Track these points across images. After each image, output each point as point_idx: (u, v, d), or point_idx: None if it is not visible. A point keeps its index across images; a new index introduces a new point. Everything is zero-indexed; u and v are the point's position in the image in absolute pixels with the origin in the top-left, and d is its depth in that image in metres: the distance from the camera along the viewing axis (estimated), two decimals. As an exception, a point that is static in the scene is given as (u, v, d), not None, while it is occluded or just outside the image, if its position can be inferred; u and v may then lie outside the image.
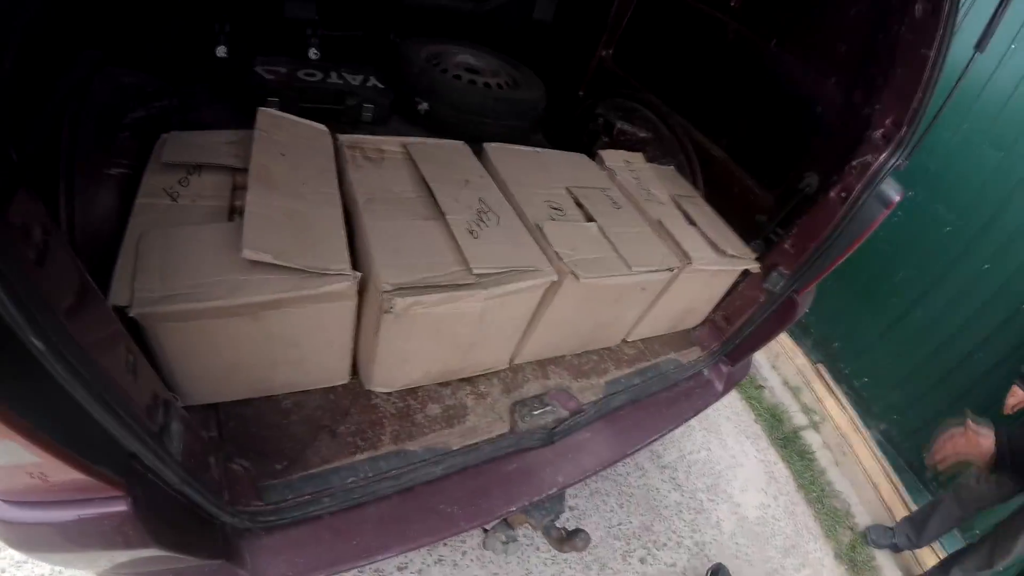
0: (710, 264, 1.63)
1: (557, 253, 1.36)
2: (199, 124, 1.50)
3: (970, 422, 1.67)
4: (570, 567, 2.01)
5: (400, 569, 1.86)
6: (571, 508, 2.15)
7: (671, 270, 1.53)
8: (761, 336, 1.88)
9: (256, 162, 1.27)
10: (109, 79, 1.54)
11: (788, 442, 2.88)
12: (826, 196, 1.54)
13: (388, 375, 1.33)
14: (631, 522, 2.20)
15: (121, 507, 0.77)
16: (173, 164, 1.31)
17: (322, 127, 1.50)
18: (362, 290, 1.16)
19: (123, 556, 0.89)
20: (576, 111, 2.29)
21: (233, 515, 1.08)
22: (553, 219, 1.48)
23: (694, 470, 2.47)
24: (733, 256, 1.70)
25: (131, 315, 0.97)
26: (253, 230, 1.10)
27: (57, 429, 0.64)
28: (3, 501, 0.78)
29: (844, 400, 3.12)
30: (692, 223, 1.75)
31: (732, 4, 1.98)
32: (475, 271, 1.20)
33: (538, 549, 2.02)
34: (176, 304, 1.01)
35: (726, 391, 1.97)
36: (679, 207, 1.79)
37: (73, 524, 0.78)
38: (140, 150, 1.41)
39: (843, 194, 1.55)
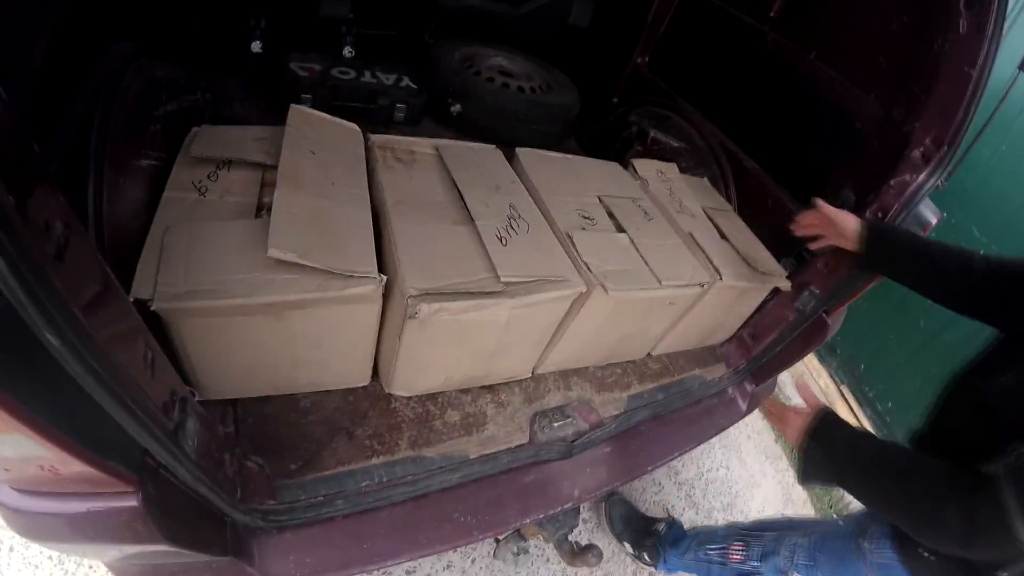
0: (740, 280, 1.59)
1: (586, 264, 1.33)
2: (231, 119, 1.51)
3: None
4: (581, 580, 1.98)
5: (408, 573, 1.84)
6: (584, 520, 2.11)
7: (701, 286, 1.49)
8: (789, 355, 1.84)
9: (285, 159, 1.26)
10: (142, 71, 1.55)
11: (809, 464, 2.81)
12: (862, 215, 1.49)
13: (409, 380, 1.32)
14: (644, 538, 2.16)
15: (132, 503, 0.76)
16: (203, 158, 1.31)
17: (353, 126, 1.49)
18: (387, 293, 1.15)
19: (132, 550, 0.89)
20: (610, 118, 2.26)
21: (245, 513, 1.07)
22: (584, 228, 1.46)
23: (711, 488, 2.42)
24: (764, 273, 1.66)
25: (152, 309, 0.96)
26: (279, 229, 1.09)
27: (69, 424, 0.64)
28: (13, 489, 0.78)
29: (867, 424, 3.04)
30: (724, 237, 1.71)
31: (772, 14, 1.94)
32: (503, 279, 1.18)
33: (548, 561, 1.99)
34: (198, 300, 1.00)
35: (750, 410, 1.93)
36: (711, 220, 1.76)
37: (82, 517, 0.78)
38: (171, 143, 1.41)
39: (879, 214, 1.51)
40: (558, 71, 2.31)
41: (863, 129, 1.73)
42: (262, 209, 1.26)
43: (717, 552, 1.64)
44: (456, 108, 2.04)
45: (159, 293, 0.98)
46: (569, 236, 1.40)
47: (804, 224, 1.55)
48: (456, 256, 1.21)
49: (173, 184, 1.25)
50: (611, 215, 1.57)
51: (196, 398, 1.03)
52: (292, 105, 1.43)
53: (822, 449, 1.13)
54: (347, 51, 2.21)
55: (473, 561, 1.91)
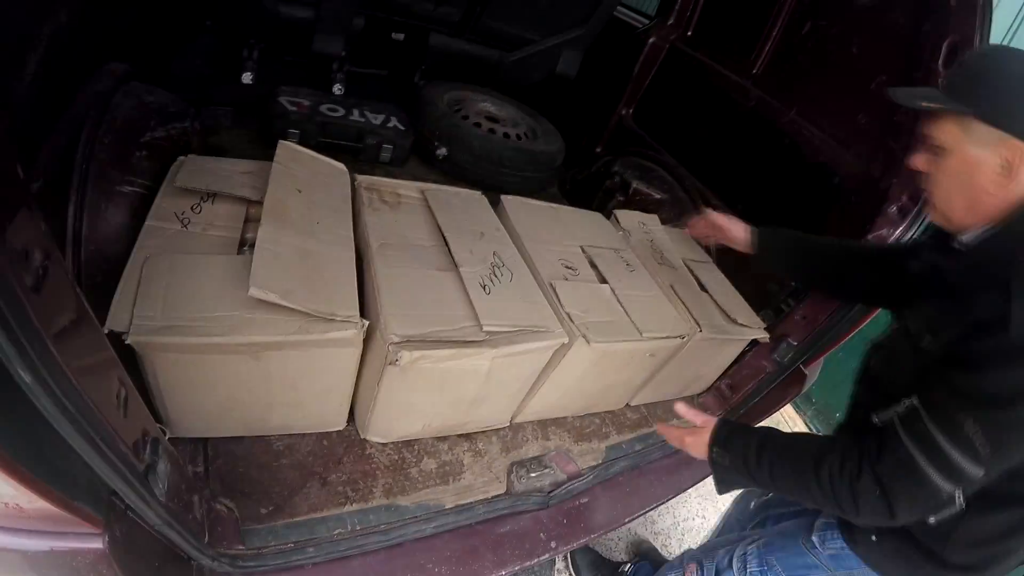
0: (720, 333, 1.60)
1: (568, 314, 1.33)
2: (218, 147, 1.50)
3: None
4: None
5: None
6: (558, 571, 2.07)
7: (681, 337, 1.50)
8: (766, 406, 1.85)
9: (272, 196, 1.25)
10: (132, 94, 1.54)
11: (784, 515, 2.79)
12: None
13: (386, 426, 1.29)
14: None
15: (96, 544, 0.73)
16: (187, 189, 1.29)
17: (341, 166, 1.49)
18: (368, 338, 1.13)
19: None
20: (593, 167, 2.29)
21: (213, 559, 1.03)
22: (566, 279, 1.46)
23: (688, 538, 2.39)
24: (743, 325, 1.67)
25: (127, 342, 0.94)
26: (262, 268, 1.07)
27: (37, 462, 0.61)
28: None
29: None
30: (704, 289, 1.73)
31: (755, 71, 2.00)
32: (485, 328, 1.17)
33: (521, 612, 1.94)
34: (175, 336, 0.98)
35: (728, 461, 1.92)
36: (691, 272, 1.77)
37: (43, 556, 0.74)
38: (156, 170, 1.39)
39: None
40: (544, 119, 2.35)
41: (842, 184, 1.77)
42: (245, 244, 1.24)
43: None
44: (442, 152, 2.06)
45: (135, 326, 0.96)
46: (552, 286, 1.40)
47: (695, 230, 1.66)
48: (439, 303, 1.20)
49: (156, 213, 1.22)
50: (593, 265, 1.58)
51: (166, 436, 1.00)
52: (280, 141, 1.43)
53: (729, 455, 1.13)
54: (337, 88, 2.23)
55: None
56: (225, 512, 1.13)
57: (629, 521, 1.64)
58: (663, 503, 1.74)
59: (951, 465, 0.87)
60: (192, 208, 1.27)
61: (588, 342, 1.29)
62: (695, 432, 1.21)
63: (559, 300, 1.36)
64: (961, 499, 0.97)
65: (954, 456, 0.86)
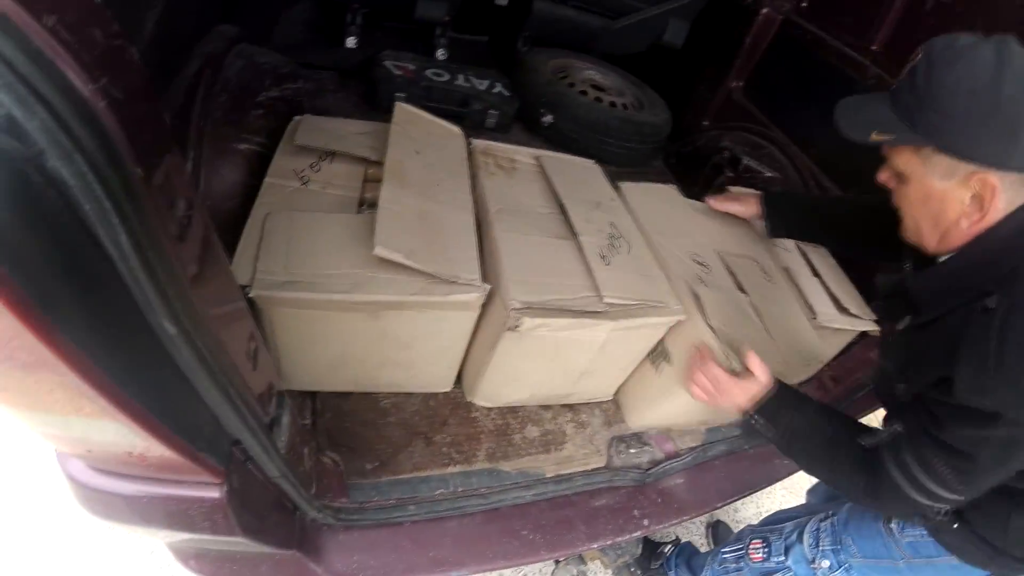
0: (832, 322, 1.52)
1: (712, 326, 1.23)
2: (323, 110, 1.51)
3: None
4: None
5: (457, 577, 1.82)
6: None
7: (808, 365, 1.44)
8: (867, 402, 1.76)
9: (391, 157, 1.26)
10: (243, 56, 1.57)
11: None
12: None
13: (493, 391, 1.29)
14: (696, 573, 2.09)
15: (215, 494, 0.75)
16: (306, 147, 1.31)
17: (456, 128, 1.48)
18: (486, 302, 1.13)
19: (203, 538, 0.87)
20: (700, 141, 2.20)
21: (318, 510, 1.06)
22: (704, 284, 1.35)
23: (767, 529, 2.34)
24: (855, 316, 1.59)
25: (250, 296, 0.96)
26: (386, 227, 1.07)
27: (165, 413, 0.61)
28: (89, 466, 0.77)
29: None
30: (816, 274, 1.65)
31: (874, 47, 1.86)
32: (605, 300, 1.15)
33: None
34: (298, 291, 1.00)
35: (824, 455, 1.85)
36: (804, 256, 1.69)
37: (160, 502, 0.77)
38: (271, 129, 1.42)
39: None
40: (649, 89, 2.27)
41: None
42: (363, 204, 1.26)
43: (733, 555, 1.55)
44: (548, 119, 2.02)
45: (258, 280, 0.98)
46: (694, 292, 1.30)
47: (715, 205, 1.61)
48: (558, 271, 1.18)
49: (275, 171, 1.25)
50: (731, 272, 1.46)
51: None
52: (398, 103, 1.43)
53: (773, 431, 1.11)
54: (440, 53, 2.22)
55: (524, 575, 1.88)
56: (331, 465, 1.16)
57: (721, 506, 1.60)
58: (755, 491, 1.69)
59: (930, 491, 0.90)
60: (311, 166, 1.29)
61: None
62: (739, 382, 1.14)
63: (704, 311, 1.27)
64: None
65: (930, 486, 0.89)
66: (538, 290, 1.11)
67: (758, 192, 1.56)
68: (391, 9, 2.24)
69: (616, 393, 1.49)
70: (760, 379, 1.13)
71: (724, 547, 1.54)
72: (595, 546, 1.35)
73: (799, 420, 1.08)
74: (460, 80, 2.01)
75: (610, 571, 1.66)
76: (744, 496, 1.66)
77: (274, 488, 0.93)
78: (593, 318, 1.13)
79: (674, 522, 1.48)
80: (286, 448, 0.94)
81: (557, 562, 1.61)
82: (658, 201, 1.59)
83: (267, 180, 1.22)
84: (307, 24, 2.24)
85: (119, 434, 0.59)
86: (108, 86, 0.41)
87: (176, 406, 0.63)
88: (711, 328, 1.22)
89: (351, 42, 2.16)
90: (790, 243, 1.69)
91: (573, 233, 1.28)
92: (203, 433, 0.69)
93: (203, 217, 0.62)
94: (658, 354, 1.35)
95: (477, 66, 2.13)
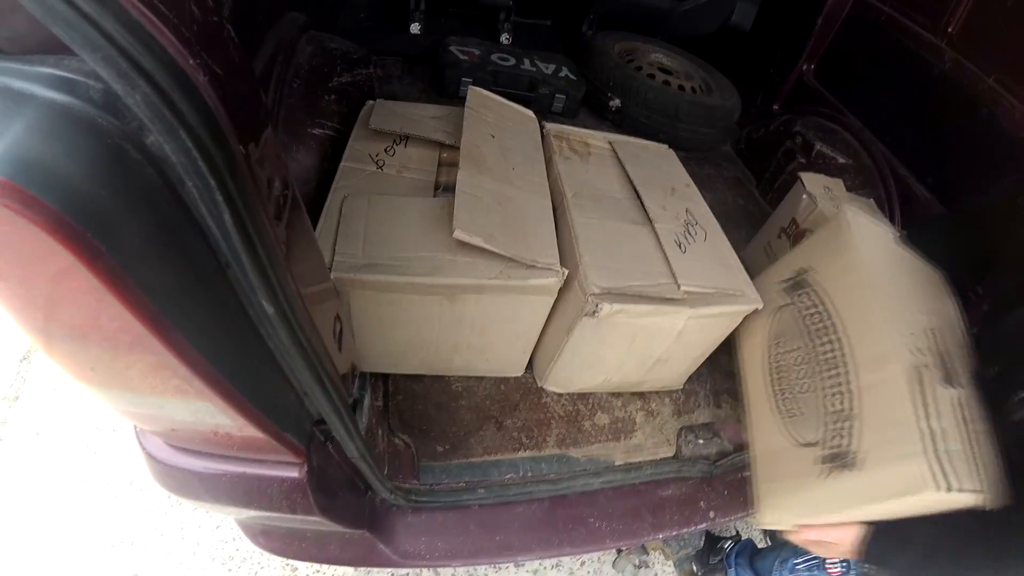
0: None
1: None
2: (391, 96, 1.52)
3: None
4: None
5: (518, 566, 1.83)
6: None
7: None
8: None
9: (467, 140, 1.26)
10: (314, 43, 1.59)
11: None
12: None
13: (565, 377, 1.29)
14: None
15: (295, 474, 0.77)
16: (380, 131, 1.32)
17: (529, 112, 1.48)
18: (564, 287, 1.12)
19: (278, 516, 0.88)
20: (772, 125, 2.14)
21: (390, 491, 1.07)
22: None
23: (828, 527, 2.28)
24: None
25: (331, 278, 0.97)
26: (464, 211, 1.08)
27: (258, 396, 0.62)
28: (168, 444, 0.79)
29: None
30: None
31: (950, 29, 1.77)
32: (683, 288, 1.13)
33: (656, 576, 1.93)
34: (378, 274, 1.01)
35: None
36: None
37: (239, 481, 0.78)
38: (344, 114, 1.44)
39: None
40: (717, 72, 2.21)
41: None
42: (439, 188, 1.26)
43: (806, 565, 1.48)
44: (615, 103, 1.99)
45: (338, 263, 0.99)
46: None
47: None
48: (636, 257, 1.17)
49: (351, 155, 1.27)
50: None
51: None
52: (471, 87, 1.43)
53: (890, 571, 0.94)
54: (504, 38, 2.21)
55: (582, 564, 1.88)
56: (403, 447, 1.18)
57: (790, 501, 1.57)
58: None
59: None
60: (386, 150, 1.31)
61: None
62: (832, 536, 0.98)
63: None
64: None
65: None
66: (616, 276, 1.10)
67: None
68: None
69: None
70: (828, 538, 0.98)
71: (797, 556, 1.50)
72: (660, 536, 1.34)
73: (918, 550, 0.86)
74: (526, 64, 1.99)
75: (671, 562, 1.65)
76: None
77: (349, 468, 0.94)
78: (672, 305, 1.11)
79: (740, 515, 1.45)
80: (366, 429, 0.96)
81: (619, 552, 1.60)
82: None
83: (343, 164, 1.23)
84: (370, 11, 2.25)
85: (208, 414, 0.60)
86: (208, 61, 0.41)
87: (265, 387, 0.65)
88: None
89: (415, 28, 2.16)
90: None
91: (648, 220, 1.26)
92: (288, 413, 0.71)
93: (297, 197, 0.63)
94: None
95: (542, 50, 2.11)
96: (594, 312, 1.07)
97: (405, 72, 2.08)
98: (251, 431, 0.65)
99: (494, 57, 1.98)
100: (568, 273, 1.09)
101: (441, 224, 1.10)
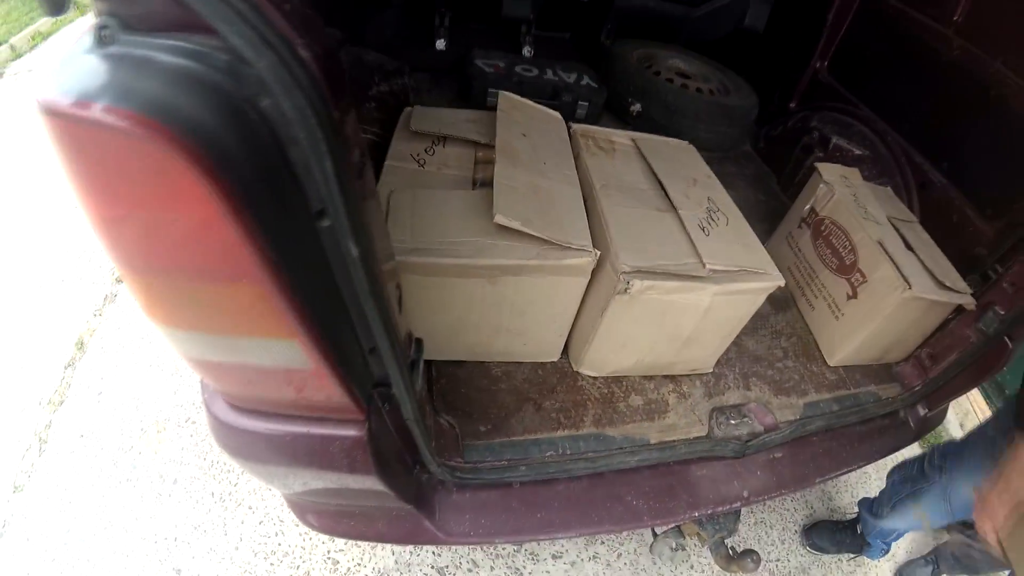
0: (929, 293, 1.50)
1: None
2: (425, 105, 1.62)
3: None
4: (722, 592, 1.93)
5: (555, 557, 1.88)
6: (761, 559, 2.07)
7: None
8: (964, 382, 1.71)
9: (502, 138, 1.35)
10: (351, 56, 1.70)
11: (969, 510, 2.58)
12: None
13: (600, 359, 1.35)
14: (788, 561, 2.08)
15: (356, 432, 0.83)
16: (420, 133, 1.42)
17: (556, 114, 1.56)
18: (596, 269, 1.19)
19: (334, 479, 0.94)
20: (788, 123, 2.21)
21: (438, 464, 1.13)
22: None
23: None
24: (951, 289, 1.56)
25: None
26: (503, 198, 1.16)
27: (335, 343, 0.69)
28: (233, 408, 0.85)
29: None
30: (910, 248, 1.62)
31: (956, 18, 1.83)
32: (708, 266, 1.19)
33: (692, 568, 1.96)
34: (425, 257, 1.09)
35: (919, 436, 1.80)
36: (896, 230, 1.67)
37: (303, 440, 0.84)
38: (383, 120, 1.53)
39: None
40: (733, 74, 2.29)
41: None
42: (476, 183, 1.34)
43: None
44: (636, 108, 2.08)
45: None
46: None
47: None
48: (662, 240, 1.24)
49: (394, 154, 1.35)
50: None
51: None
52: (501, 92, 1.52)
53: None
54: (527, 50, 2.31)
55: (619, 556, 1.92)
56: (447, 427, 1.25)
57: (820, 482, 1.60)
58: (854, 469, 1.68)
59: None
60: (426, 150, 1.39)
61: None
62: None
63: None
64: None
65: None
66: (645, 256, 1.17)
67: None
68: (478, 10, 2.35)
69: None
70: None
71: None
72: (696, 514, 1.38)
73: None
74: (549, 74, 2.09)
75: (706, 547, 1.68)
76: (842, 473, 1.66)
77: (401, 439, 1.01)
78: (698, 281, 1.18)
79: (774, 495, 1.50)
80: (420, 391, 1.02)
81: (655, 536, 1.64)
82: None
83: (387, 163, 1.32)
84: (396, 28, 2.37)
85: (289, 355, 0.67)
86: (311, 43, 0.49)
87: (340, 337, 0.71)
88: None
89: (440, 44, 2.28)
90: (881, 216, 1.68)
91: (673, 207, 1.33)
92: (355, 368, 0.77)
93: (370, 164, 0.71)
94: None
95: (563, 60, 2.21)
96: (626, 289, 1.14)
97: (433, 85, 2.19)
98: (324, 378, 0.71)
99: (518, 68, 2.08)
100: (600, 255, 1.16)
101: (482, 213, 1.18)
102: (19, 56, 4.18)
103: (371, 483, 0.94)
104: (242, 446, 0.90)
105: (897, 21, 1.99)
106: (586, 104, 2.04)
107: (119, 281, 2.42)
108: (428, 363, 1.35)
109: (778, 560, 2.06)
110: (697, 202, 1.37)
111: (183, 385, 2.06)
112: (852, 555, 2.11)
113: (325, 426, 0.84)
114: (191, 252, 0.53)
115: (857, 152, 1.98)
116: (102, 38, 0.45)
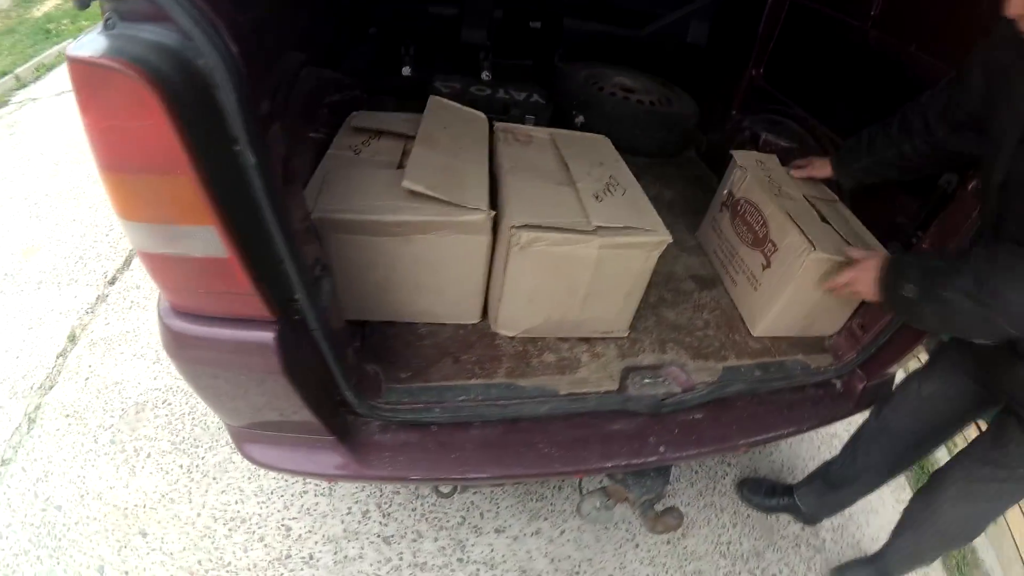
0: (835, 255, 1.57)
1: None
2: None
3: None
4: (667, 572, 1.99)
5: (498, 532, 1.98)
6: (683, 515, 2.11)
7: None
8: (902, 345, 1.76)
9: (423, 129, 1.55)
10: (313, 72, 1.94)
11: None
12: (964, 190, 1.47)
13: (511, 317, 1.51)
14: (742, 544, 2.12)
15: (269, 333, 0.99)
16: (359, 129, 1.64)
17: (480, 114, 1.76)
18: (498, 230, 1.37)
19: (256, 387, 1.11)
20: (727, 128, 2.38)
21: (356, 397, 1.27)
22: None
23: (825, 509, 2.31)
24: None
25: (313, 218, 1.22)
26: (415, 170, 1.35)
27: (247, 237, 0.88)
28: (176, 314, 1.02)
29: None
30: (825, 220, 1.72)
31: (873, 13, 1.99)
32: (593, 223, 1.35)
33: (637, 547, 2.03)
34: (348, 214, 1.29)
35: (859, 408, 1.86)
36: (812, 205, 1.78)
37: (228, 343, 1.01)
38: (336, 123, 1.75)
39: (979, 186, 1.48)
40: (678, 88, 2.49)
41: None
42: (402, 166, 1.53)
43: None
44: (580, 119, 2.28)
45: (319, 207, 1.27)
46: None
47: (796, 173, 1.89)
48: (556, 204, 1.41)
49: (336, 145, 1.57)
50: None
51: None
52: (431, 96, 1.74)
53: (916, 283, 1.23)
54: (485, 75, 2.55)
55: (562, 532, 2.00)
56: (372, 373, 1.40)
57: (745, 445, 1.66)
58: (784, 436, 1.72)
59: None
60: (363, 143, 1.60)
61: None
62: (857, 266, 1.44)
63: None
64: None
65: None
66: (536, 215, 1.34)
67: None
68: (439, 38, 2.63)
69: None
70: (876, 253, 1.47)
71: None
72: (609, 465, 1.47)
73: (938, 263, 1.22)
74: (500, 93, 2.32)
75: (636, 511, 1.72)
76: (770, 439, 1.71)
77: (316, 357, 1.14)
78: (583, 235, 1.34)
79: (692, 453, 1.56)
80: (326, 311, 1.15)
81: (582, 494, 1.72)
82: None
83: (329, 152, 1.54)
84: (369, 59, 2.65)
85: (208, 243, 0.86)
86: (229, 26, 0.75)
87: (252, 238, 0.90)
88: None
89: (406, 71, 2.54)
90: (797, 194, 1.79)
91: (572, 181, 1.50)
92: (267, 269, 0.95)
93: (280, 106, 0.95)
94: None
95: (519, 82, 2.44)
96: (517, 243, 1.30)
97: (398, 108, 2.42)
98: (238, 270, 0.90)
99: (472, 88, 2.32)
100: (498, 218, 1.34)
101: (398, 185, 1.36)
102: (24, 86, 4.63)
103: (282, 385, 1.07)
104: (180, 349, 1.06)
105: (822, 24, 2.16)
106: (532, 118, 2.25)
107: (111, 283, 2.74)
108: (362, 324, 1.52)
109: (729, 543, 2.11)
110: (597, 179, 1.54)
111: (162, 372, 2.29)
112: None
113: (246, 328, 1.00)
114: (147, 151, 0.77)
115: (784, 145, 2.13)
116: (107, 24, 0.73)
